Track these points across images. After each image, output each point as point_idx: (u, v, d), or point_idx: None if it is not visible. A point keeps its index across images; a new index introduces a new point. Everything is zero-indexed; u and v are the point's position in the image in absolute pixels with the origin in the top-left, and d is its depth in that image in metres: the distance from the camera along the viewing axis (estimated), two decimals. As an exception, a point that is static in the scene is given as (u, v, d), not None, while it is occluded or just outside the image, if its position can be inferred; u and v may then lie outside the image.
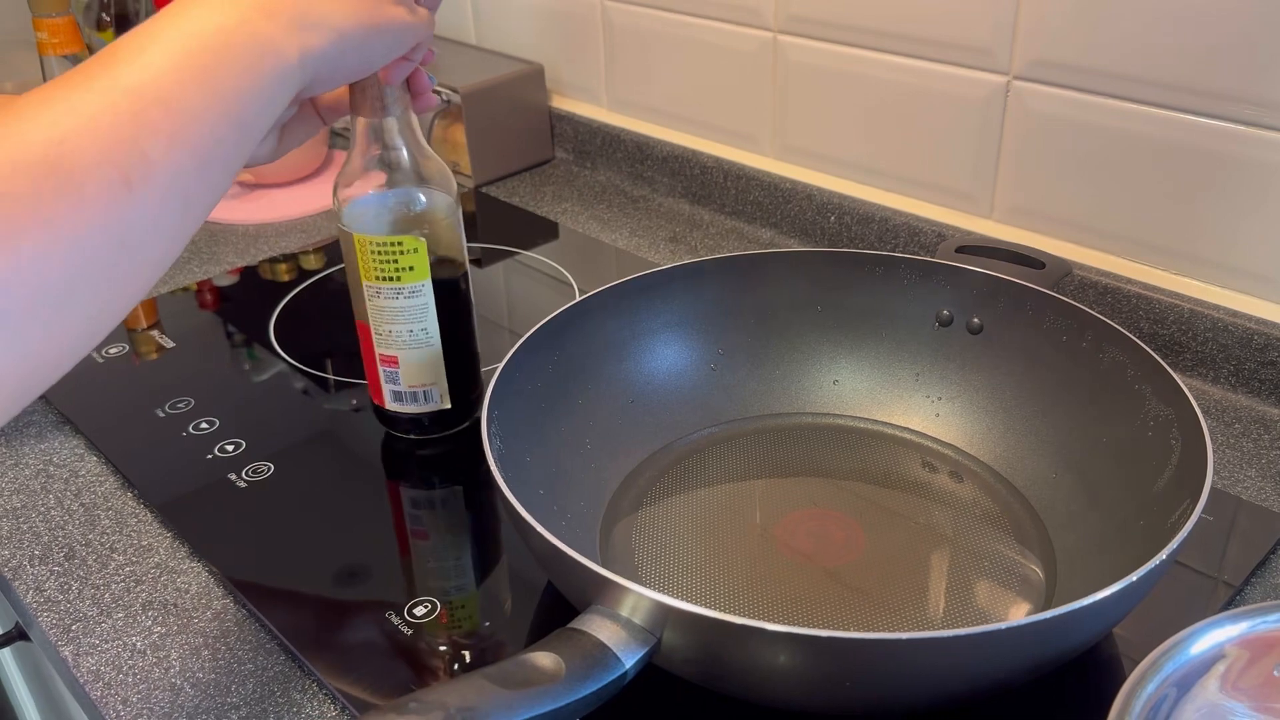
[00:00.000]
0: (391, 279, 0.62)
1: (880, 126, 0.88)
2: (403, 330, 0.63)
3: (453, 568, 0.60)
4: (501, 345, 0.62)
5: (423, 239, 0.60)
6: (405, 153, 0.60)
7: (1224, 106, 0.69)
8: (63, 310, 0.34)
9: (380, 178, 0.61)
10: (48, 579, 0.60)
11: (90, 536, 0.63)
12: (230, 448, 0.69)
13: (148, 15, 1.17)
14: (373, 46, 0.48)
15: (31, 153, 0.33)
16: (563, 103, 1.14)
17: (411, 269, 0.61)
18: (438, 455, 0.68)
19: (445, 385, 0.66)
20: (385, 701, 0.40)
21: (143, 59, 0.38)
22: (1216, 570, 0.57)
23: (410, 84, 0.58)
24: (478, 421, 0.54)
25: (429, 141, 0.61)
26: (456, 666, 0.53)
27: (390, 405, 0.67)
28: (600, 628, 0.43)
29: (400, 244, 0.60)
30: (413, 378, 0.65)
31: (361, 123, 0.58)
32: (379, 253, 0.61)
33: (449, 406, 0.67)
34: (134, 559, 0.61)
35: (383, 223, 0.61)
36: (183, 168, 0.37)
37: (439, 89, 1.03)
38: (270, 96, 0.42)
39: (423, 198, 0.62)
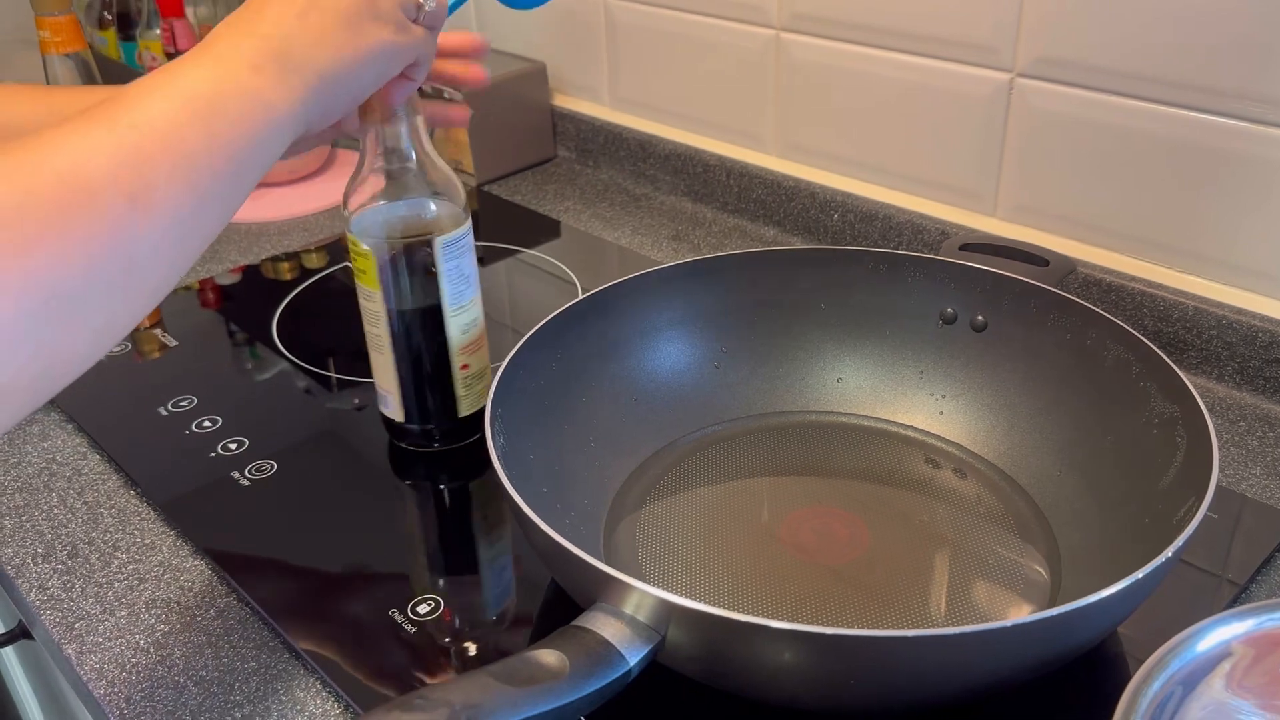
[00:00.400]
0: (358, 274, 0.63)
1: (883, 124, 0.88)
2: (368, 328, 0.64)
3: (456, 565, 0.60)
4: (504, 343, 0.62)
5: (371, 253, 0.61)
6: (414, 161, 0.60)
7: (1228, 103, 0.69)
8: (73, 317, 0.36)
9: (388, 187, 0.60)
10: (51, 577, 0.60)
11: (93, 535, 0.63)
12: (233, 446, 0.69)
13: (150, 13, 1.17)
14: (363, 77, 0.49)
15: (50, 173, 0.36)
16: (565, 101, 1.13)
17: (364, 273, 0.62)
18: (441, 453, 0.68)
19: (399, 397, 0.65)
20: (389, 699, 0.40)
21: (144, 103, 0.40)
22: (1221, 568, 0.57)
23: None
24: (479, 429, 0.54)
25: (431, 141, 0.61)
26: (461, 664, 0.53)
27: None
28: (604, 625, 0.43)
29: (357, 244, 0.61)
30: (378, 377, 0.66)
31: (370, 132, 0.58)
32: (351, 248, 0.62)
33: (399, 420, 0.66)
34: (137, 557, 0.61)
35: (395, 231, 0.61)
36: (181, 201, 0.39)
37: (439, 87, 1.03)
38: (264, 145, 0.44)
39: (433, 207, 0.61)
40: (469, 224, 0.62)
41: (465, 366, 0.65)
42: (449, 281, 0.62)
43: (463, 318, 0.64)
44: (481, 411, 0.65)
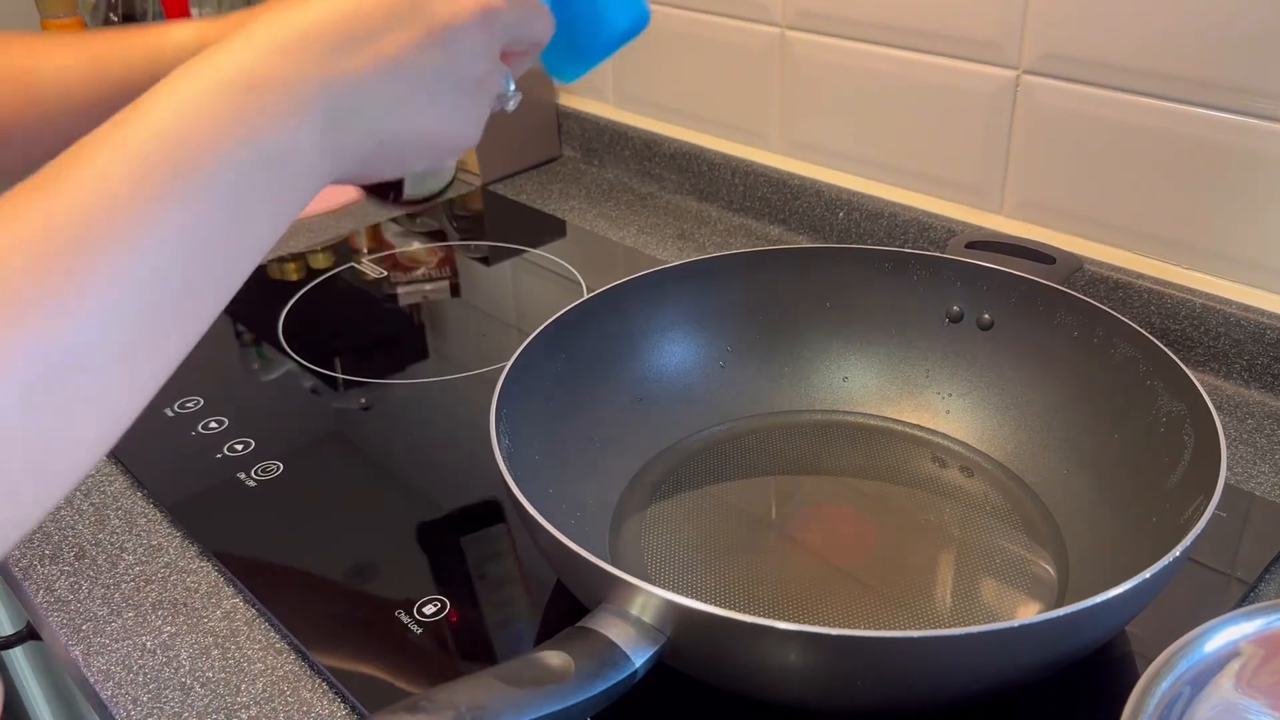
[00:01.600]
0: None
1: (889, 122, 0.87)
2: None
3: (462, 566, 0.60)
4: (510, 343, 0.62)
5: None
6: None
7: (1236, 99, 0.68)
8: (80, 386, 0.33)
9: None
10: (58, 579, 0.60)
11: (100, 536, 0.63)
12: (240, 447, 0.69)
13: (155, 16, 1.17)
14: (413, 160, 0.45)
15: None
16: (570, 100, 1.13)
17: None
18: (445, 453, 0.68)
19: None
20: (395, 701, 0.40)
21: (173, 95, 0.37)
22: (1230, 567, 0.57)
23: None
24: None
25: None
26: (466, 665, 0.53)
27: None
28: (610, 626, 0.43)
29: None
30: None
31: None
32: None
33: None
34: (144, 558, 0.61)
35: None
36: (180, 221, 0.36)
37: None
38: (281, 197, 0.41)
39: None
40: None
41: None
42: None
43: None
44: None
